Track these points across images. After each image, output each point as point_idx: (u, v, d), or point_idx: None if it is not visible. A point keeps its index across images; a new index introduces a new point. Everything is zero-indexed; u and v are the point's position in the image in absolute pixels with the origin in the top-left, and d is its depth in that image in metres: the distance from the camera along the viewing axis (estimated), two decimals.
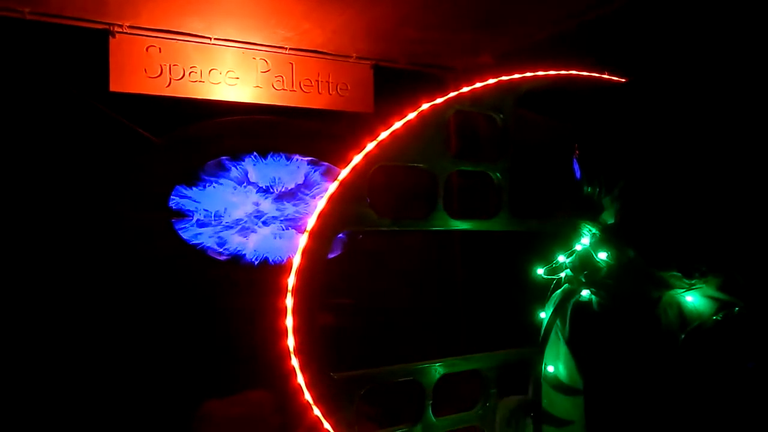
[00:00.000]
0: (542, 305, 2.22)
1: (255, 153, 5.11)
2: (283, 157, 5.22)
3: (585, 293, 2.05)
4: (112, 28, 4.09)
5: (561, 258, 2.15)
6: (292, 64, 4.83)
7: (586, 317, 2.01)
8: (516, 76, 2.72)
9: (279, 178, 5.13)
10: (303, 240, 2.37)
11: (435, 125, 2.55)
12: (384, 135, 2.48)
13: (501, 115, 2.69)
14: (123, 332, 4.24)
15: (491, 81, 2.65)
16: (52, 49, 4.26)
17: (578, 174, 2.23)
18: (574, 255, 2.12)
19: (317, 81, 4.91)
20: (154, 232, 4.61)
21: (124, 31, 4.17)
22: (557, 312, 2.07)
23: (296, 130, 5.24)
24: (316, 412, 2.43)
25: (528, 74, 2.72)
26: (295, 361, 2.37)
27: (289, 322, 2.35)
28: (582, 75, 2.76)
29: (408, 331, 2.62)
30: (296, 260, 2.36)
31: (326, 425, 2.44)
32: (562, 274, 2.17)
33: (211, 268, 4.72)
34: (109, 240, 4.38)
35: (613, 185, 2.08)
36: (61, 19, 3.98)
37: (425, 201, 2.64)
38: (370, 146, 2.46)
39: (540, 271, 2.21)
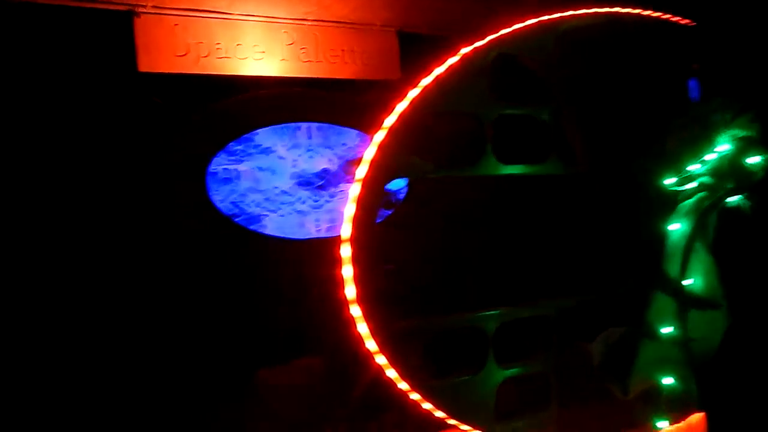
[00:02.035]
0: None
1: (292, 124, 5.03)
2: (324, 127, 5.14)
3: (733, 199, 1.98)
4: (136, 9, 4.08)
5: (693, 167, 2.08)
6: (316, 35, 4.78)
7: (735, 224, 1.94)
8: (556, 15, 2.67)
9: (320, 149, 5.05)
10: (355, 189, 2.36)
11: (478, 68, 2.52)
12: (427, 80, 2.46)
13: (543, 56, 2.65)
14: (173, 306, 4.24)
15: (532, 21, 2.61)
16: (82, 33, 4.24)
17: (696, 93, 2.16)
18: (713, 162, 2.04)
19: (342, 51, 4.85)
20: (194, 206, 4.58)
21: (148, 11, 4.15)
22: (700, 221, 1.98)
23: (332, 101, 5.16)
24: (380, 360, 2.43)
25: (568, 13, 2.67)
26: (356, 310, 2.37)
27: (348, 271, 2.35)
28: (625, 11, 2.71)
29: (468, 280, 2.61)
30: (350, 209, 2.35)
31: (390, 373, 2.44)
32: (694, 183, 2.11)
33: (254, 240, 4.68)
34: (153, 215, 4.36)
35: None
36: (85, 2, 3.97)
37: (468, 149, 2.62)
38: (415, 92, 2.44)
39: (669, 181, 2.14)
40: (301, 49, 4.74)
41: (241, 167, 4.83)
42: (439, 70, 2.44)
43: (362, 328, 2.39)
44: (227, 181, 4.75)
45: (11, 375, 3.67)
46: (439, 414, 2.56)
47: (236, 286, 4.44)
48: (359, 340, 2.40)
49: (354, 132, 5.10)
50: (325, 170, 5.04)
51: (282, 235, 4.81)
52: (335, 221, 4.64)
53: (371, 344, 2.40)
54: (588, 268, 2.62)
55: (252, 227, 4.69)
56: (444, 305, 2.46)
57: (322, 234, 4.82)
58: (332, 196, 4.94)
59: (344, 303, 2.37)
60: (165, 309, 4.11)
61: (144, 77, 4.18)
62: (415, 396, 2.50)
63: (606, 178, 2.68)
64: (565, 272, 2.68)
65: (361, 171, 2.36)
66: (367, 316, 2.37)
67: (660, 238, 2.05)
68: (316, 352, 4.31)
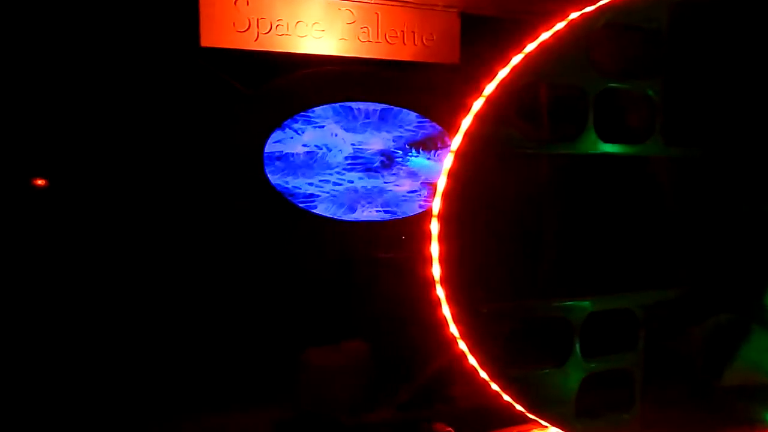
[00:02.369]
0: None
1: (349, 103, 4.93)
2: (382, 108, 5.02)
3: None
4: None
5: None
6: (377, 14, 4.65)
7: None
8: None
9: (377, 130, 4.93)
10: (448, 161, 2.18)
11: (584, 37, 2.30)
12: (532, 46, 2.25)
13: (655, 26, 2.41)
14: (224, 285, 4.20)
15: None
16: (147, 8, 4.22)
17: None
18: None
19: (402, 32, 4.73)
20: (249, 183, 4.53)
21: None
22: None
23: (391, 81, 5.04)
24: (462, 346, 2.27)
25: None
26: (440, 292, 2.20)
27: (434, 249, 2.18)
28: None
29: (554, 267, 2.44)
30: (441, 182, 2.18)
31: (472, 360, 2.28)
32: None
33: (307, 220, 4.61)
34: (210, 192, 4.32)
35: None
36: None
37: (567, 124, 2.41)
38: (517, 59, 2.24)
39: None
40: (362, 28, 4.66)
41: (296, 145, 4.75)
42: (544, 36, 2.23)
43: (446, 310, 2.23)
44: (282, 158, 4.68)
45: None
46: (519, 408, 2.40)
47: (287, 265, 4.39)
48: (442, 323, 2.24)
49: (413, 114, 4.97)
50: (381, 152, 4.93)
51: (333, 216, 4.75)
52: (388, 204, 4.65)
53: (454, 329, 2.24)
54: (692, 256, 2.39)
55: (304, 206, 4.61)
56: (528, 291, 2.26)
57: (373, 216, 4.74)
58: (388, 178, 4.84)
59: (429, 283, 2.21)
60: (215, 288, 4.07)
61: (206, 52, 4.15)
62: (495, 387, 2.34)
63: (719, 160, 2.44)
64: (661, 262, 2.46)
65: (456, 142, 2.17)
66: (451, 299, 2.20)
67: None
68: (364, 336, 4.27)
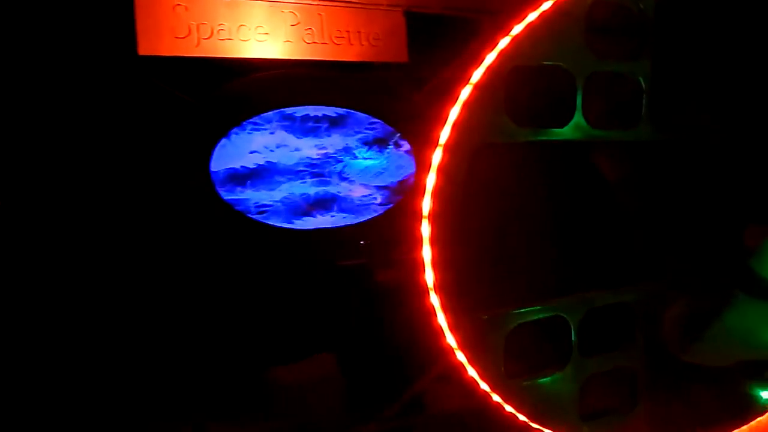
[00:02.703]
0: None
1: (300, 107, 4.72)
2: (331, 110, 4.83)
3: None
4: None
5: None
6: (321, 15, 4.54)
7: None
8: None
9: (330, 133, 4.73)
10: (437, 156, 1.99)
11: (573, 17, 2.15)
12: (518, 29, 2.08)
13: (641, 5, 2.28)
14: (177, 304, 3.91)
15: None
16: (79, 15, 3.91)
17: None
18: None
19: (348, 32, 4.63)
20: (196, 195, 4.25)
21: None
22: None
23: (339, 82, 4.87)
24: (461, 357, 2.08)
25: None
26: (435, 300, 2.00)
27: (426, 253, 1.98)
28: None
29: (555, 264, 2.29)
30: (431, 179, 1.98)
31: (471, 371, 2.09)
32: None
33: (260, 231, 4.36)
34: (153, 205, 4.02)
35: None
36: None
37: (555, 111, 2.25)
38: (504, 42, 2.06)
39: None
40: (306, 30, 4.55)
41: (244, 154, 4.51)
42: (532, 17, 2.06)
43: (441, 319, 2.03)
44: (230, 168, 4.43)
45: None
46: (522, 418, 2.22)
47: (242, 280, 4.15)
48: (438, 333, 2.04)
49: (363, 116, 4.83)
50: (332, 156, 4.75)
51: (286, 225, 4.53)
52: (344, 210, 4.48)
53: (451, 338, 2.04)
54: (686, 245, 2.28)
55: (255, 216, 4.37)
56: (529, 293, 2.09)
57: (329, 223, 4.58)
58: (341, 183, 4.67)
59: (422, 291, 2.00)
60: (168, 307, 3.79)
61: (145, 61, 3.92)
62: (497, 398, 2.16)
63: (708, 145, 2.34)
64: (655, 252, 2.33)
65: (444, 134, 1.98)
66: (447, 307, 2.01)
67: None
68: (329, 349, 4.11)
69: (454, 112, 1.99)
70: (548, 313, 2.20)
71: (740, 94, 2.33)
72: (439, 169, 1.96)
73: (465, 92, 2.00)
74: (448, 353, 2.07)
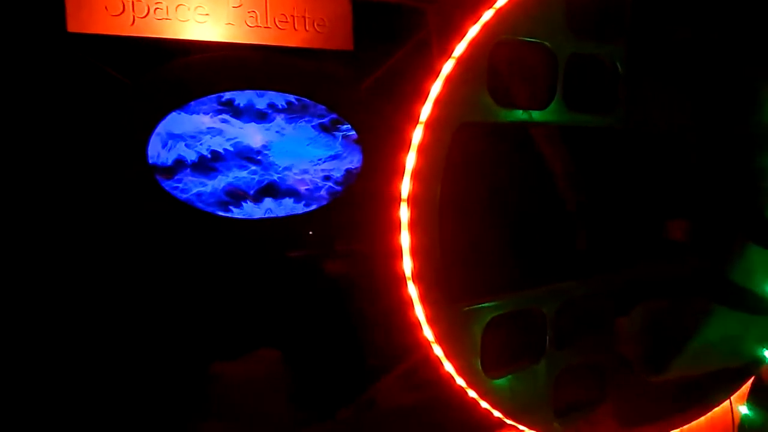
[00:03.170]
0: None
1: (242, 92, 4.49)
2: (275, 95, 4.62)
3: None
4: None
5: None
6: None
7: None
8: None
9: (272, 118, 4.52)
10: (417, 134, 1.83)
11: None
12: (502, 1, 1.96)
13: None
14: (111, 296, 3.60)
15: None
16: None
17: None
18: None
19: (293, 16, 4.44)
20: (136, 181, 3.96)
21: None
22: None
23: (283, 68, 4.67)
24: (437, 351, 1.93)
25: None
26: (413, 290, 1.85)
27: (404, 239, 1.82)
28: None
29: (539, 252, 2.18)
30: (411, 160, 1.82)
31: (447, 366, 1.96)
32: None
33: (204, 221, 4.11)
34: (85, 190, 3.69)
35: None
36: None
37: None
38: (488, 14, 1.93)
39: None
40: (249, 12, 4.33)
41: (184, 140, 4.25)
42: None
43: (419, 311, 1.88)
44: (169, 155, 4.15)
45: None
46: (497, 414, 2.11)
47: (184, 271, 3.89)
48: (414, 326, 1.89)
49: (308, 102, 4.66)
50: (274, 143, 4.55)
51: (228, 214, 4.30)
52: (290, 198, 4.31)
53: (428, 332, 1.90)
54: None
55: (198, 205, 4.11)
56: (510, 282, 1.98)
57: (275, 212, 4.38)
58: (285, 170, 4.48)
59: (399, 280, 1.84)
60: (103, 300, 3.49)
61: (76, 39, 3.60)
62: (473, 394, 2.03)
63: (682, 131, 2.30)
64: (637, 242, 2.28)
65: (425, 110, 1.83)
66: (426, 298, 1.86)
67: (762, 180, 1.64)
68: (275, 344, 3.92)
69: (435, 88, 1.84)
70: (526, 305, 2.09)
71: (710, 89, 2.30)
72: (420, 149, 1.80)
73: (447, 66, 1.85)
74: (424, 347, 1.92)
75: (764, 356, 1.73)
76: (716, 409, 2.74)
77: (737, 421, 2.49)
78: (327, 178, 4.66)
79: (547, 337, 2.19)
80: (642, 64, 2.30)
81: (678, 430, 2.69)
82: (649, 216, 2.35)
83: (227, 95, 4.53)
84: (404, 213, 1.80)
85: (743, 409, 1.88)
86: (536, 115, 2.07)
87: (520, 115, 2.02)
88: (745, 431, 1.89)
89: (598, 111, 2.25)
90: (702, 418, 2.73)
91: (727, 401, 2.74)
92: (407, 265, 1.82)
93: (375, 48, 4.52)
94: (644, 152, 2.43)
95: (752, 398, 2.04)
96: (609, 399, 2.41)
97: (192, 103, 4.33)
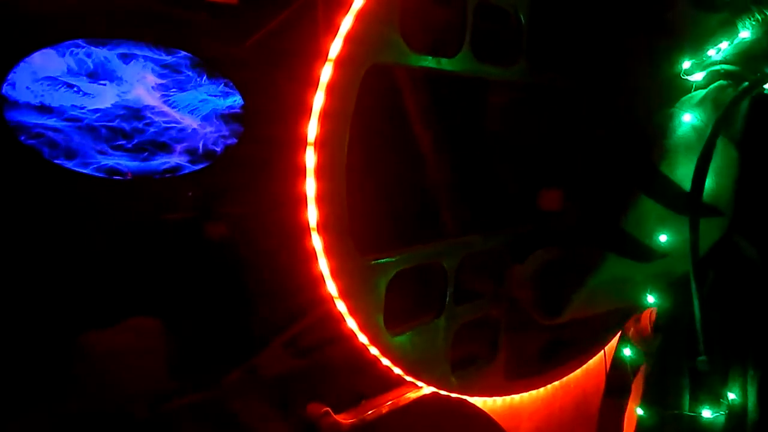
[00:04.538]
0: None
1: (113, 41, 4.04)
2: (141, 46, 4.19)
3: None
4: None
5: (712, 52, 1.73)
6: None
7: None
8: None
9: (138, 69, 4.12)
10: (326, 72, 1.69)
11: None
12: None
13: None
14: None
15: None
16: None
17: None
18: (736, 47, 1.69)
19: None
20: None
21: None
22: (726, 112, 1.60)
23: (160, 18, 4.25)
24: (341, 307, 1.83)
25: None
26: (317, 242, 1.72)
27: (310, 186, 1.69)
28: None
29: (447, 203, 2.12)
30: (318, 100, 1.68)
31: (351, 322, 1.86)
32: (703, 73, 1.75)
33: (70, 175, 3.68)
34: None
35: None
36: None
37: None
38: None
39: (686, 65, 1.77)
40: None
41: (46, 88, 3.77)
42: None
43: (323, 264, 1.76)
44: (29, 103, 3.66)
45: None
46: (398, 371, 2.06)
47: (48, 231, 3.46)
48: (319, 280, 1.77)
49: (183, 54, 4.32)
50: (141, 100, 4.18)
51: (97, 173, 3.90)
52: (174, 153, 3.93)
53: (332, 286, 1.79)
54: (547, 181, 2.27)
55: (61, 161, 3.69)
56: (419, 235, 1.92)
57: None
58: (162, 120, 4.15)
59: (304, 230, 1.71)
60: None
61: None
62: (374, 351, 1.96)
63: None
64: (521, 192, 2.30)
65: (335, 47, 1.68)
66: (331, 250, 1.74)
67: (656, 132, 1.71)
68: (148, 312, 3.64)
69: (346, 23, 1.70)
70: (431, 259, 2.04)
71: (608, 45, 2.35)
72: (329, 88, 1.66)
73: (359, 1, 1.72)
74: (326, 302, 1.80)
75: (646, 299, 1.81)
76: (591, 360, 2.90)
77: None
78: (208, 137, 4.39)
79: (448, 293, 2.15)
80: (544, 16, 2.30)
81: (557, 382, 2.82)
82: (546, 171, 2.38)
83: (98, 44, 4.07)
84: (310, 158, 1.65)
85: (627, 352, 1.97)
86: (445, 63, 1.99)
87: (429, 61, 1.93)
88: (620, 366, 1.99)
89: (503, 63, 2.23)
90: (578, 370, 2.88)
91: (601, 352, 2.91)
92: (312, 214, 1.69)
93: (262, 5, 4.26)
94: (541, 107, 2.46)
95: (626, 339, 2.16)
96: (500, 354, 2.44)
97: (58, 45, 3.83)
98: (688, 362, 1.64)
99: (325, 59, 1.66)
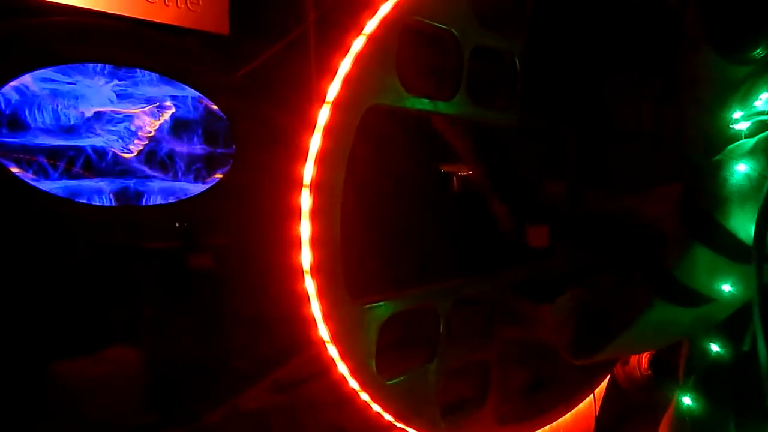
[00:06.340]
0: None
1: (103, 64, 4.05)
2: (136, 71, 4.22)
3: None
4: None
5: (758, 103, 1.71)
6: None
7: None
8: None
9: (132, 95, 4.14)
10: (323, 114, 1.67)
11: None
12: None
13: None
14: None
15: None
16: None
17: None
18: None
19: None
20: None
21: None
22: None
23: (149, 42, 4.28)
24: (332, 352, 1.79)
25: None
26: (311, 285, 1.69)
27: (304, 229, 1.66)
28: None
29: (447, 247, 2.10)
30: (315, 142, 1.66)
31: (342, 367, 1.82)
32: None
33: (50, 200, 3.63)
34: None
35: None
36: None
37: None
38: None
39: (737, 115, 1.75)
40: None
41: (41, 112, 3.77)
42: None
43: (315, 307, 1.72)
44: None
45: None
46: (388, 417, 2.01)
47: (27, 256, 3.41)
48: (310, 323, 1.73)
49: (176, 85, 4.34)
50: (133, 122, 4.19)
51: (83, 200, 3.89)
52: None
53: (324, 330, 1.75)
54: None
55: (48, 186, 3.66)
56: (403, 277, 1.89)
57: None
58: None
59: (297, 273, 1.67)
60: None
61: None
62: (365, 397, 1.92)
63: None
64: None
65: (333, 89, 1.67)
66: (324, 293, 1.71)
67: (705, 181, 1.68)
68: (128, 342, 3.58)
69: (344, 66, 1.69)
70: (424, 302, 2.01)
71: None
72: (326, 130, 1.64)
73: (357, 44, 1.71)
74: (319, 347, 1.76)
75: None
76: (580, 405, 2.87)
77: None
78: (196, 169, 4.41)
79: (440, 336, 2.12)
80: (538, 62, 2.32)
81: (548, 427, 2.78)
82: (541, 210, 2.38)
83: (87, 67, 4.08)
84: (306, 200, 1.63)
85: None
86: (441, 106, 1.99)
87: (426, 104, 1.93)
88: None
89: (498, 108, 2.23)
90: (567, 415, 2.85)
91: (591, 396, 2.88)
92: (306, 257, 1.65)
93: (254, 37, 4.29)
94: (533, 148, 2.47)
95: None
96: (490, 397, 2.40)
97: (45, 69, 3.82)
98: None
99: (323, 101, 1.65)
